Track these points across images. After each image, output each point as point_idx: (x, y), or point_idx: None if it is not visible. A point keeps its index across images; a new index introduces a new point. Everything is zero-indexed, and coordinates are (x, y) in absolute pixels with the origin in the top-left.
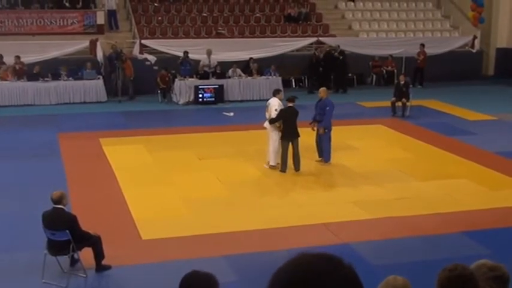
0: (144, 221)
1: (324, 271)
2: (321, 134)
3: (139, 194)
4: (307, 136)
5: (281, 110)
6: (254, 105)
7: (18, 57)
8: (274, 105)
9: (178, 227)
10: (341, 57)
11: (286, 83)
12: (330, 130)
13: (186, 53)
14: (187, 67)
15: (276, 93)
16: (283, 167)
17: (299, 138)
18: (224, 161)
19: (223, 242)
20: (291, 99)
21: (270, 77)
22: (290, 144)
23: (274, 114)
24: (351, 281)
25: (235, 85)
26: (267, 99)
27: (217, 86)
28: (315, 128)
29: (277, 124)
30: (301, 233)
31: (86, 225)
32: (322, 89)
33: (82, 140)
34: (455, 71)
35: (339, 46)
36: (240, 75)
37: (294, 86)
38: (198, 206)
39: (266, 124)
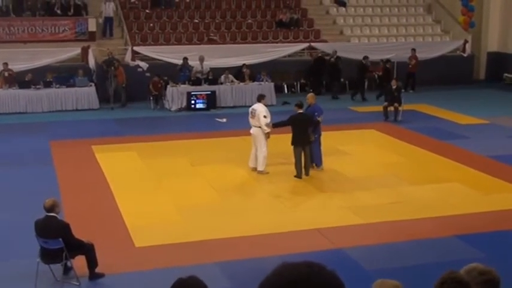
0: (137, 228)
1: (308, 277)
2: (311, 139)
3: (132, 201)
4: None
5: (291, 116)
6: (247, 111)
7: (6, 64)
8: (261, 111)
9: (171, 234)
10: (338, 62)
11: (278, 89)
12: (319, 135)
13: (185, 59)
14: (186, 73)
15: (260, 98)
16: (299, 173)
17: (310, 146)
18: (217, 167)
19: (216, 249)
20: (299, 105)
21: (262, 82)
22: (302, 150)
23: (263, 121)
24: (334, 285)
25: (228, 91)
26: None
27: (209, 92)
28: None
29: (265, 130)
30: (295, 238)
31: (79, 233)
32: (310, 95)
33: (74, 147)
34: (446, 76)
35: (335, 52)
36: (232, 81)
37: (286, 92)
38: (191, 213)
39: (253, 130)
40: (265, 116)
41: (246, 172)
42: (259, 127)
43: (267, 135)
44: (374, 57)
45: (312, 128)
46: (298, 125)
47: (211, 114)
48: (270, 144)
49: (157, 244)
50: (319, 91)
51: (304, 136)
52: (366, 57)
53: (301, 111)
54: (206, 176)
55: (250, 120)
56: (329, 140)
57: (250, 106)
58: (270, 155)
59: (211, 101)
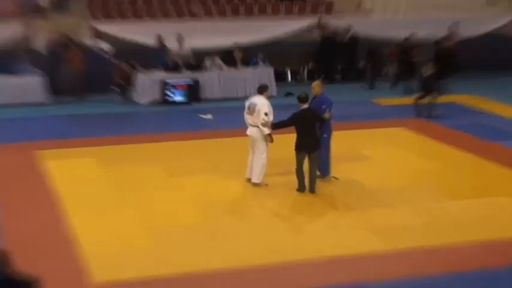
0: (96, 258)
1: None
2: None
3: (91, 222)
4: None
5: (294, 114)
6: (239, 104)
7: None
8: (263, 106)
9: (141, 265)
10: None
11: (279, 76)
12: (328, 135)
13: (160, 38)
14: (162, 56)
15: (262, 90)
16: (301, 186)
17: (318, 151)
18: (201, 178)
19: (200, 284)
20: (303, 99)
21: (259, 68)
22: (307, 157)
23: (264, 119)
24: None
25: (215, 79)
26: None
27: (191, 82)
28: None
29: (266, 130)
30: (301, 270)
31: (22, 264)
32: (316, 84)
33: (17, 152)
34: (494, 58)
35: (351, 27)
36: (220, 67)
37: (289, 80)
38: (166, 238)
39: (250, 131)
40: (266, 114)
41: (238, 184)
42: (257, 126)
43: (269, 138)
44: (402, 35)
45: (319, 125)
46: (302, 124)
47: (193, 109)
48: (269, 147)
49: (123, 279)
50: (331, 79)
51: (311, 139)
52: (410, 36)
53: (306, 106)
54: (187, 190)
55: (247, 117)
56: (345, 141)
57: (242, 99)
58: (270, 161)
59: (193, 92)
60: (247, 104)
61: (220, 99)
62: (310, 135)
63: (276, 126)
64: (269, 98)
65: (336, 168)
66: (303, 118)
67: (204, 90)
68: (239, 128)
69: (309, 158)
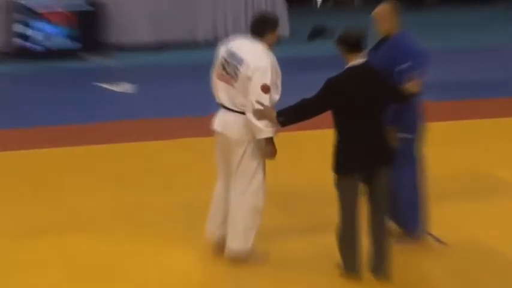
0: None
1: None
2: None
3: None
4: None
5: (331, 82)
6: (198, 59)
7: None
8: (263, 70)
9: None
10: None
11: None
12: (415, 134)
13: None
14: None
15: (261, 28)
16: (351, 262)
17: (390, 173)
18: (99, 240)
19: None
20: (353, 44)
21: None
22: (364, 189)
23: (260, 102)
24: None
25: (139, 2)
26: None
27: (83, 5)
28: None
29: (263, 128)
30: None
31: None
32: (384, 8)
33: None
34: None
35: None
36: None
37: (319, 2)
38: None
39: (223, 123)
40: (266, 88)
41: (192, 258)
42: (244, 113)
43: (270, 149)
44: None
45: (393, 111)
46: (351, 106)
47: (88, 69)
48: (268, 166)
49: None
50: None
51: (374, 142)
52: None
53: (360, 61)
54: (63, 275)
55: (220, 86)
56: (458, 147)
57: (207, 45)
58: (269, 196)
59: (87, 29)
60: (222, 52)
61: (154, 47)
62: (371, 133)
63: (289, 117)
64: (273, 45)
65: (440, 216)
66: (353, 91)
67: (114, 24)
68: (198, 114)
69: (370, 190)
